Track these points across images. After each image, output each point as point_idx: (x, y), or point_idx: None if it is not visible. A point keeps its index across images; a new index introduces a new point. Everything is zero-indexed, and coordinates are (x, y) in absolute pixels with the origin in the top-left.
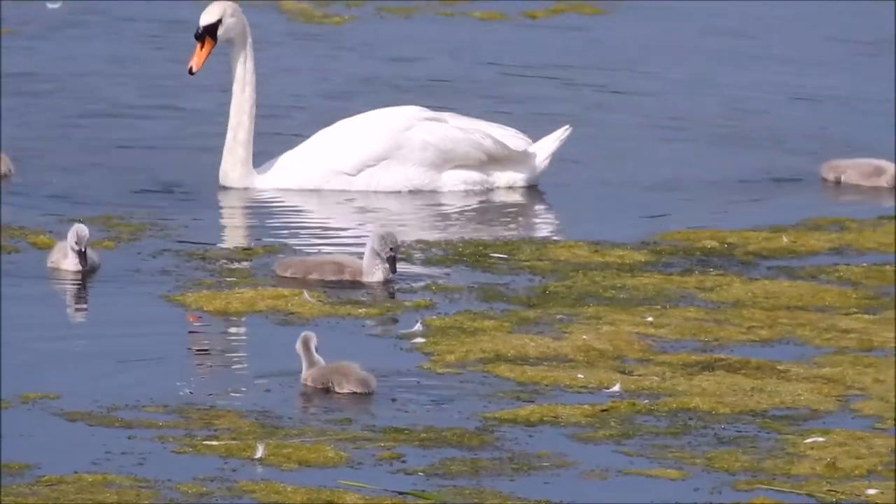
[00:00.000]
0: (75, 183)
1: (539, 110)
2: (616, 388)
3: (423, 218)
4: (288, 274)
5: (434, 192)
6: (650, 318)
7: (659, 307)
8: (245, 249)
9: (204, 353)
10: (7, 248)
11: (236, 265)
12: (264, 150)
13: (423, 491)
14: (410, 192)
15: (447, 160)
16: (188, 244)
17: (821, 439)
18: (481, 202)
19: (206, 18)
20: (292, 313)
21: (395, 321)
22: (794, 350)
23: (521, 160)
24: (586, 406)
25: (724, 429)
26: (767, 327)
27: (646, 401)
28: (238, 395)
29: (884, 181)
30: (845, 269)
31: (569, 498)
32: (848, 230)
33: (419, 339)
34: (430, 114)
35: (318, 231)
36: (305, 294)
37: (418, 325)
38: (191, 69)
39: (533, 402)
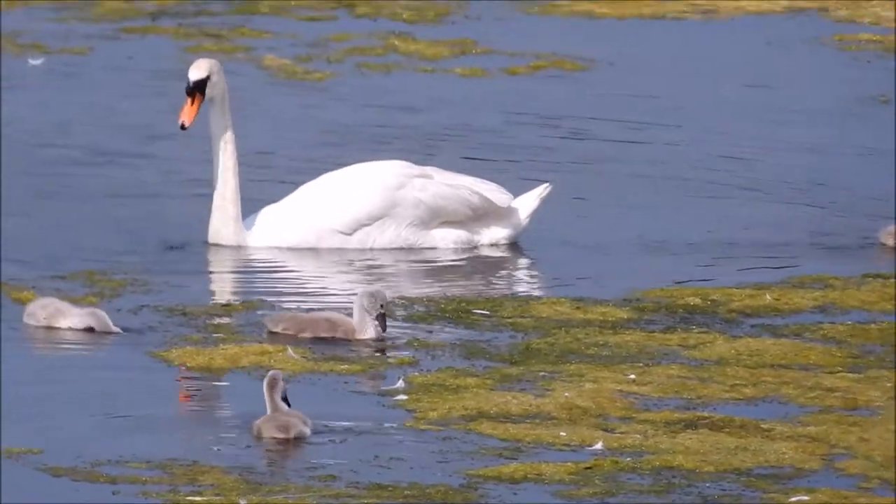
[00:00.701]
0: (57, 236)
1: (524, 162)
2: (599, 445)
3: (408, 274)
4: (279, 329)
5: (420, 248)
6: (633, 376)
7: (642, 364)
8: (226, 305)
9: (188, 408)
10: None
11: (220, 321)
12: (246, 198)
13: None
14: (401, 248)
15: (436, 217)
16: (175, 300)
17: (805, 498)
18: (465, 258)
19: (196, 74)
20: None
21: (378, 377)
22: (778, 408)
23: (504, 216)
24: (569, 464)
25: (708, 487)
26: (751, 385)
27: (629, 459)
28: (221, 450)
29: None
30: (830, 327)
31: None
32: (832, 288)
33: (402, 396)
34: (417, 169)
35: (308, 288)
36: (290, 350)
37: (400, 381)
38: (183, 124)
39: (516, 459)
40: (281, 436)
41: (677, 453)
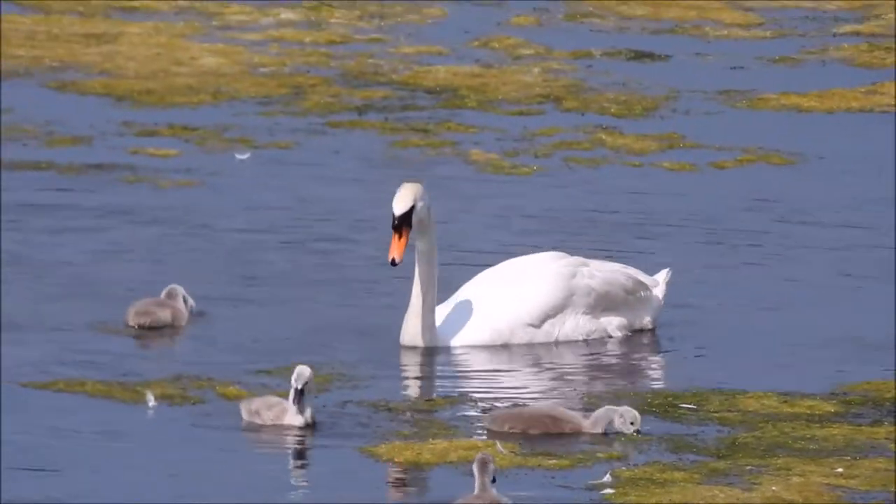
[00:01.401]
0: (257, 330)
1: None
2: None
3: (600, 368)
4: (505, 429)
5: (590, 339)
6: (840, 470)
7: (849, 458)
8: (429, 401)
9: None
10: (192, 399)
11: (425, 417)
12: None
13: None
14: (583, 340)
15: (601, 303)
16: (378, 396)
17: None
18: (639, 348)
19: (401, 207)
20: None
21: (585, 472)
22: None
23: (646, 302)
24: None
25: None
26: None
27: None
28: None
29: None
30: None
31: None
32: None
33: (609, 490)
34: (573, 259)
35: (506, 384)
36: (498, 445)
37: (608, 476)
38: (393, 261)
39: None
40: None
41: None
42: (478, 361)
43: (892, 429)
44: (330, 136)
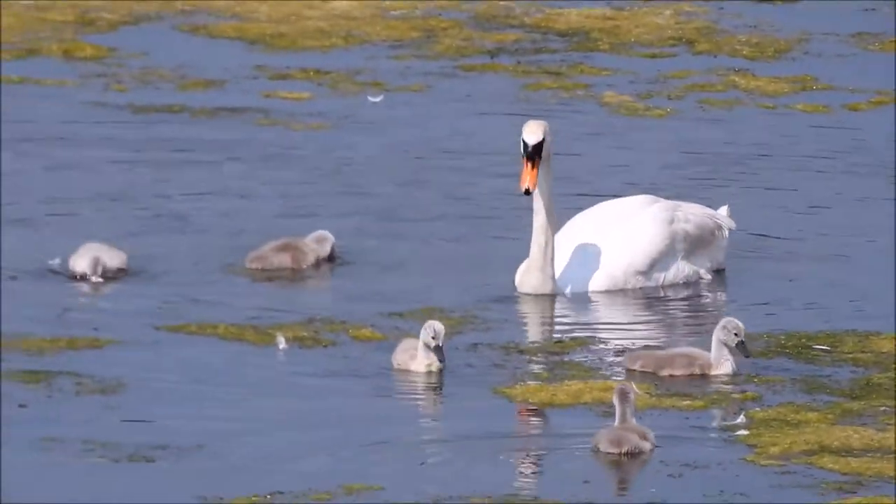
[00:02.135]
0: (389, 271)
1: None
2: None
3: (716, 308)
4: (637, 367)
5: (694, 281)
6: None
7: None
8: (559, 343)
9: (528, 444)
10: (324, 342)
11: (557, 359)
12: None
13: None
14: (683, 283)
15: (695, 247)
16: (507, 339)
17: None
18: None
19: (534, 138)
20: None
21: (720, 413)
22: None
23: (723, 243)
24: None
25: None
26: None
27: None
28: (562, 486)
29: None
30: None
31: None
32: None
33: (743, 431)
34: (667, 203)
35: (628, 327)
36: (633, 386)
37: (742, 416)
38: (527, 190)
39: (856, 493)
40: (614, 450)
41: None
42: (596, 307)
43: None
44: (462, 80)
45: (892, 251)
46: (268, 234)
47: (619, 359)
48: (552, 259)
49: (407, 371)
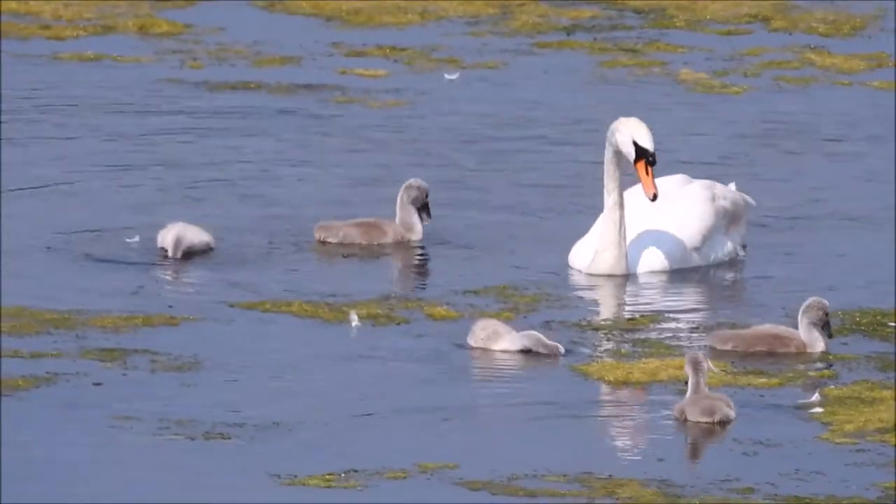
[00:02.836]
0: (470, 253)
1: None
2: None
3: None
4: (728, 348)
5: (739, 259)
6: None
7: None
8: (631, 320)
9: (603, 422)
10: (398, 319)
11: (633, 336)
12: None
13: None
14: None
15: (731, 225)
16: (580, 317)
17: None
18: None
19: (651, 142)
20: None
21: (794, 391)
22: None
23: (746, 220)
24: None
25: None
26: None
27: None
28: (637, 464)
29: None
30: None
31: None
32: None
33: (817, 409)
34: (704, 181)
35: (696, 305)
36: (710, 363)
37: (816, 395)
38: (655, 195)
39: None
40: (706, 419)
41: None
42: (661, 286)
43: None
44: (538, 56)
45: None
46: (343, 211)
47: (695, 336)
48: (624, 241)
49: (485, 350)
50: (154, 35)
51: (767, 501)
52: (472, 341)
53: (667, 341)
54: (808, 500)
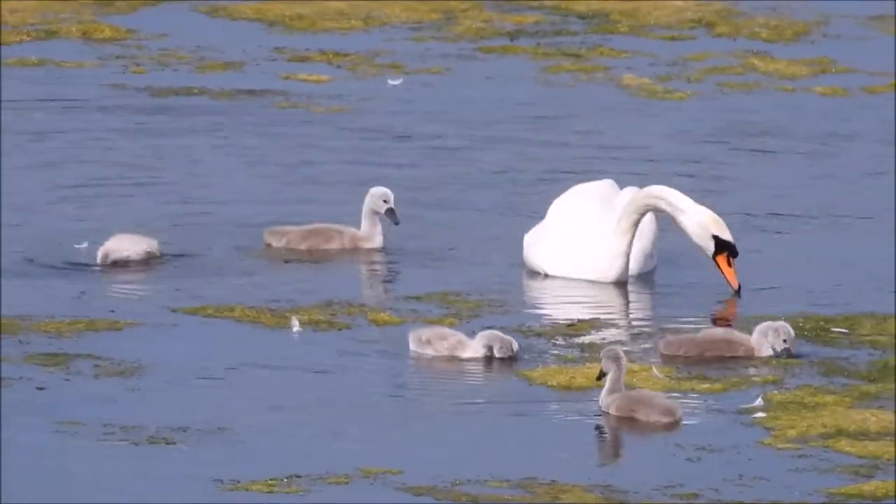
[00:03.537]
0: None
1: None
2: None
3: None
4: (681, 353)
5: None
6: None
7: None
8: (571, 326)
9: (547, 428)
10: (339, 325)
11: (577, 341)
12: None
13: None
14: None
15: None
16: (526, 322)
17: None
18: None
19: (731, 236)
20: (636, 388)
21: (738, 396)
22: None
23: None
24: None
25: None
26: None
27: None
28: (580, 469)
29: None
30: None
31: None
32: None
33: (760, 414)
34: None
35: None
36: (654, 370)
37: (759, 399)
38: (738, 289)
39: (874, 477)
40: (667, 419)
41: None
42: (608, 290)
43: None
44: (481, 62)
45: None
46: (287, 217)
47: (642, 340)
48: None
49: (425, 355)
50: (97, 40)
51: None
52: (429, 350)
53: (608, 346)
54: None
